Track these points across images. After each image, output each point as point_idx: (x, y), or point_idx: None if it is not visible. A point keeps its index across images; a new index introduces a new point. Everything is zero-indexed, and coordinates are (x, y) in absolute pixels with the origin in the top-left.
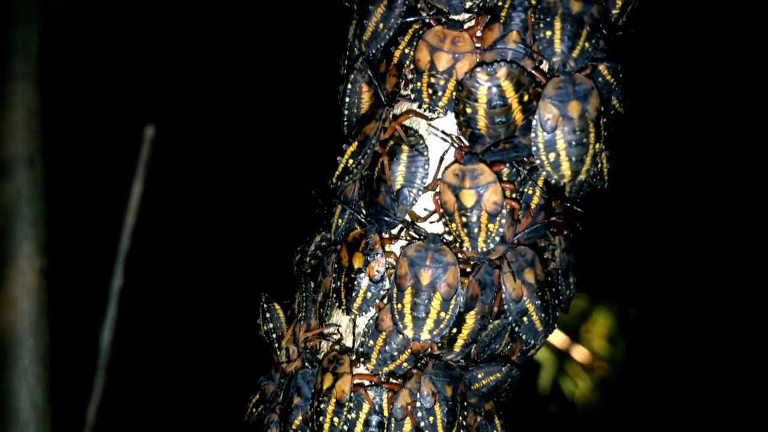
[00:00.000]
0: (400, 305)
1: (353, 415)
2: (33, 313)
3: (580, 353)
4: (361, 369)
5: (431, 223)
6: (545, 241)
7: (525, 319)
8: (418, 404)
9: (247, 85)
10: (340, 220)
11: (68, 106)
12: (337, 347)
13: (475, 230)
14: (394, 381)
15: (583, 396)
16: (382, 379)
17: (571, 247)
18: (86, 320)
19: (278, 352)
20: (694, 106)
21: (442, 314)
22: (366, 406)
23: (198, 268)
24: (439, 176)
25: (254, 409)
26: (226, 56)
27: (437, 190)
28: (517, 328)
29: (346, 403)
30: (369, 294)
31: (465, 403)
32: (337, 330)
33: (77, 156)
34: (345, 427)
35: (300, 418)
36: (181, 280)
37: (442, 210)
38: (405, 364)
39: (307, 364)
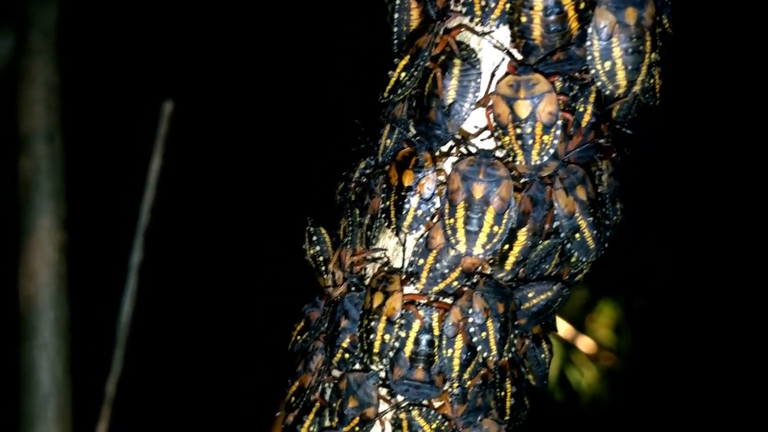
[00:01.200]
0: (452, 220)
1: (403, 334)
2: (53, 287)
3: (585, 344)
4: (410, 289)
5: (482, 140)
6: (593, 166)
7: (577, 236)
8: (470, 320)
9: (265, 58)
10: (388, 141)
11: (87, 81)
12: (385, 268)
13: (530, 142)
14: (444, 300)
15: (589, 386)
16: (432, 298)
17: (619, 171)
18: (106, 294)
19: (325, 276)
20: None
21: (495, 228)
22: (416, 325)
23: (218, 243)
24: (492, 89)
25: (299, 337)
26: (245, 30)
27: (490, 104)
28: (568, 245)
29: (397, 321)
30: (419, 212)
31: (515, 323)
32: (384, 254)
33: (96, 131)
34: (396, 344)
35: (348, 340)
36: (200, 254)
37: (494, 123)
38: (455, 283)
39: (353, 288)
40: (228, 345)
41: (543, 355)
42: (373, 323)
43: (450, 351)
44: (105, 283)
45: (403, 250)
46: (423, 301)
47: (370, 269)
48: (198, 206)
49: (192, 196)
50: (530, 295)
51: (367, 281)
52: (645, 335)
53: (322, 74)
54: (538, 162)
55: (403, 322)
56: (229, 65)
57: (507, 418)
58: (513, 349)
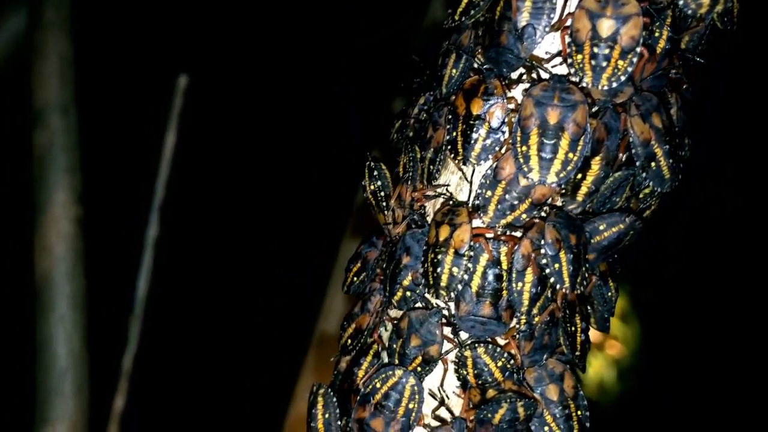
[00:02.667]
0: (525, 147)
1: (471, 267)
2: (69, 261)
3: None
4: (476, 223)
5: (553, 66)
6: (662, 98)
7: (652, 164)
8: (541, 252)
9: (280, 34)
10: (453, 70)
11: (101, 55)
12: (450, 202)
13: (603, 64)
14: (513, 233)
15: (596, 374)
16: (499, 232)
17: (688, 105)
18: (122, 269)
19: (385, 213)
20: None
21: (570, 155)
22: (485, 258)
23: (233, 217)
24: (568, 10)
25: (355, 278)
26: (261, 4)
27: (568, 22)
28: (644, 174)
29: (465, 253)
30: (488, 141)
31: (586, 257)
32: (446, 189)
33: (111, 106)
34: (465, 277)
35: (409, 277)
36: (216, 229)
37: (570, 40)
38: (524, 216)
39: (414, 225)
40: (247, 318)
41: (610, 294)
42: (440, 256)
43: (519, 284)
44: (121, 258)
45: (470, 183)
46: (490, 234)
47: (430, 207)
48: (213, 181)
49: (207, 171)
50: (601, 227)
51: (429, 218)
52: (651, 325)
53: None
54: (606, 87)
55: (471, 254)
56: (244, 39)
57: (578, 353)
58: (584, 283)
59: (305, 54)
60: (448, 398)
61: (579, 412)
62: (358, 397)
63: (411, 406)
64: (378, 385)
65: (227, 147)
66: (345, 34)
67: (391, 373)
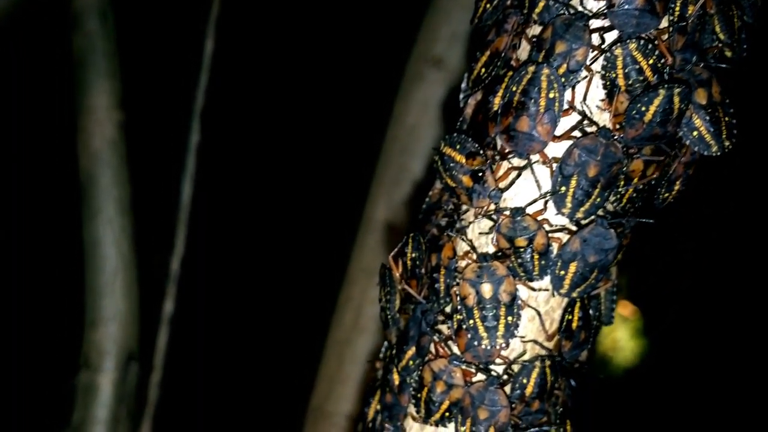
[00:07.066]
0: None
1: None
2: (115, 165)
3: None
4: None
5: None
6: None
7: None
8: None
9: None
10: None
11: None
12: None
13: None
14: None
15: (610, 333)
16: None
17: None
18: (166, 175)
19: None
20: None
21: None
22: None
23: (271, 125)
24: None
25: (488, 5)
26: None
27: None
28: None
29: None
30: None
31: None
32: None
33: (149, 12)
34: None
35: None
36: (256, 137)
37: None
38: None
39: None
40: (289, 222)
41: None
42: None
43: None
44: (164, 163)
45: None
46: None
47: None
48: (251, 89)
49: (245, 80)
50: None
51: None
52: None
53: None
54: None
55: None
56: None
57: (735, 37)
58: None
59: None
60: (591, 113)
61: (727, 118)
62: (499, 110)
63: (552, 95)
64: (514, 88)
65: (264, 55)
66: None
67: (524, 71)
